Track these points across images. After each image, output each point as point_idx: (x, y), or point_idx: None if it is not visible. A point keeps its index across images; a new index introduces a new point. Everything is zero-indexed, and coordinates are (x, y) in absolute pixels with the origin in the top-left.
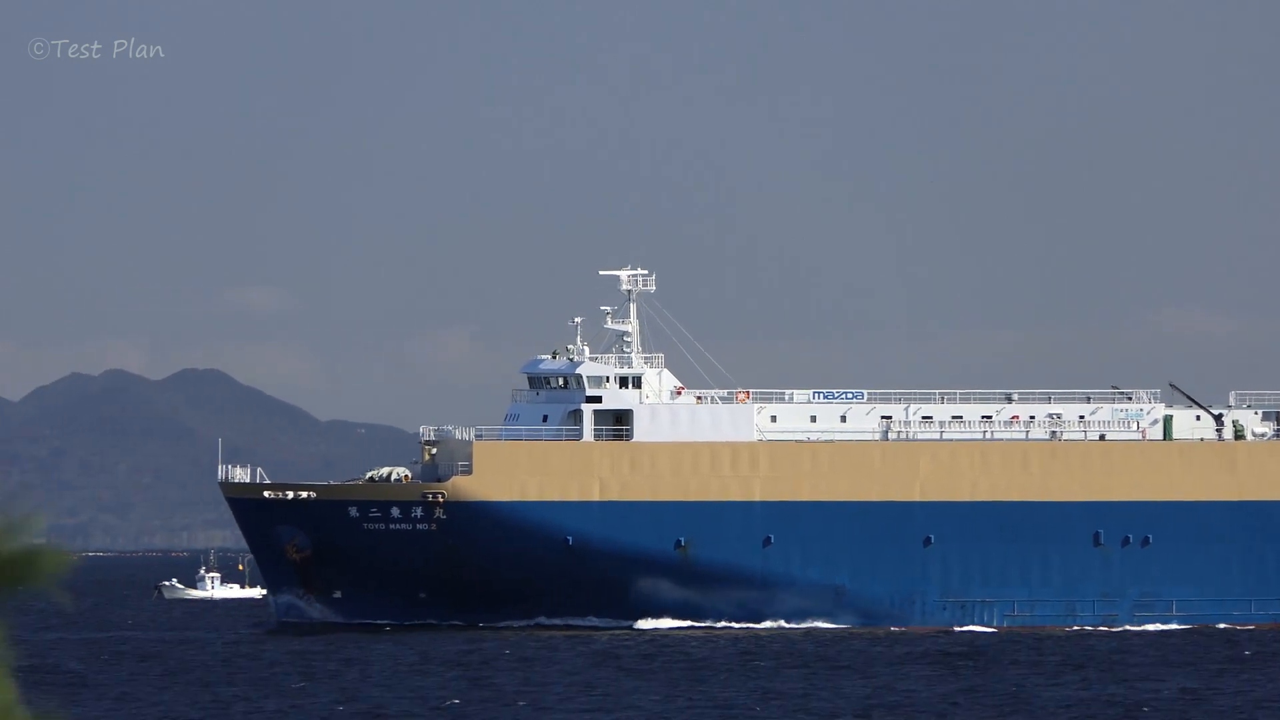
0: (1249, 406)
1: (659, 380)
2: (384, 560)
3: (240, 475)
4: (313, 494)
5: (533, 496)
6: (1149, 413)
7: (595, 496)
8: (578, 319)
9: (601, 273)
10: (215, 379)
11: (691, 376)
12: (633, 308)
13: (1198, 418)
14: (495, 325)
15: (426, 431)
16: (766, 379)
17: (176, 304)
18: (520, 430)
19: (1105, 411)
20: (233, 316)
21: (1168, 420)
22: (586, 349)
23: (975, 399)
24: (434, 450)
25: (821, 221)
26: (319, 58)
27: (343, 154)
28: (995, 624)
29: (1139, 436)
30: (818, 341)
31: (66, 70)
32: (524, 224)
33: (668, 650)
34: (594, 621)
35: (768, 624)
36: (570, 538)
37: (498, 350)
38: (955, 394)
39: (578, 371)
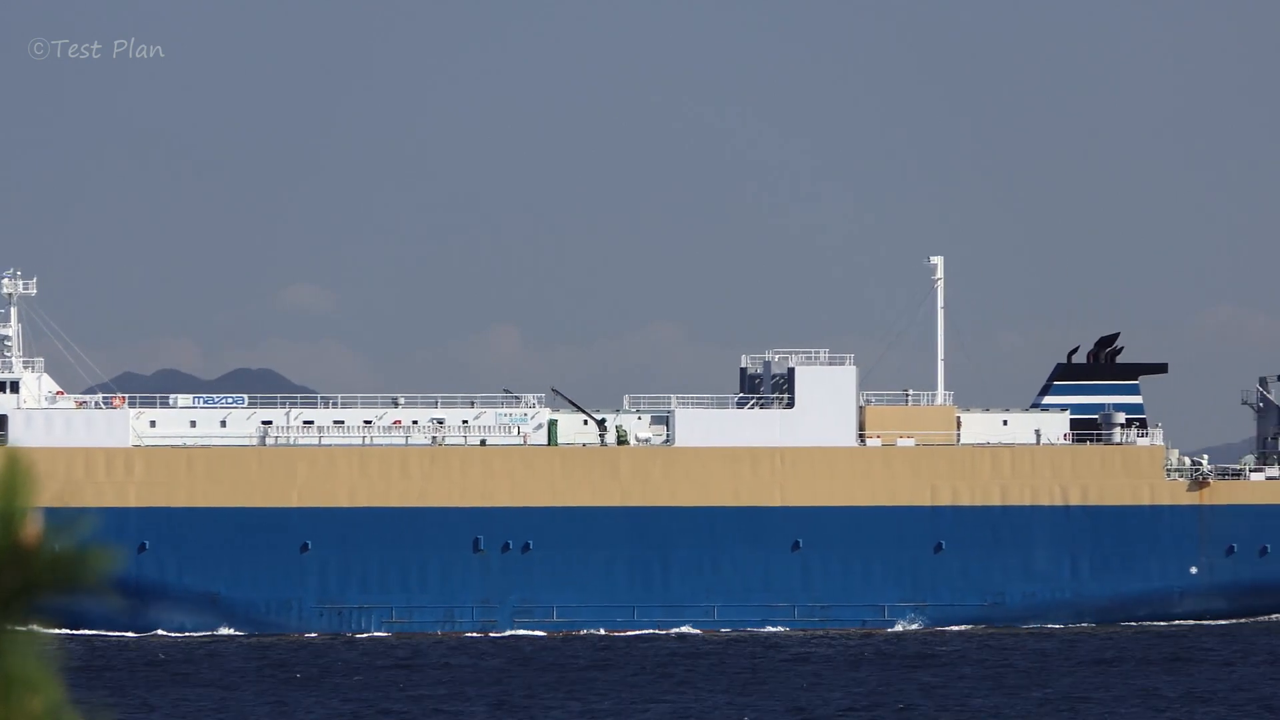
0: (637, 411)
1: (38, 384)
2: None
3: None
4: None
5: None
6: (533, 417)
7: None
8: None
9: None
10: (268, 379)
11: (75, 382)
12: (13, 311)
13: (585, 422)
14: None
15: None
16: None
17: (229, 304)
18: None
19: (490, 416)
20: (286, 316)
21: (552, 425)
22: None
23: (360, 404)
24: None
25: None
26: (320, 56)
27: (363, 151)
28: (374, 630)
29: (521, 441)
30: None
31: (66, 70)
32: None
33: None
34: None
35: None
36: None
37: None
38: (338, 398)
39: None
